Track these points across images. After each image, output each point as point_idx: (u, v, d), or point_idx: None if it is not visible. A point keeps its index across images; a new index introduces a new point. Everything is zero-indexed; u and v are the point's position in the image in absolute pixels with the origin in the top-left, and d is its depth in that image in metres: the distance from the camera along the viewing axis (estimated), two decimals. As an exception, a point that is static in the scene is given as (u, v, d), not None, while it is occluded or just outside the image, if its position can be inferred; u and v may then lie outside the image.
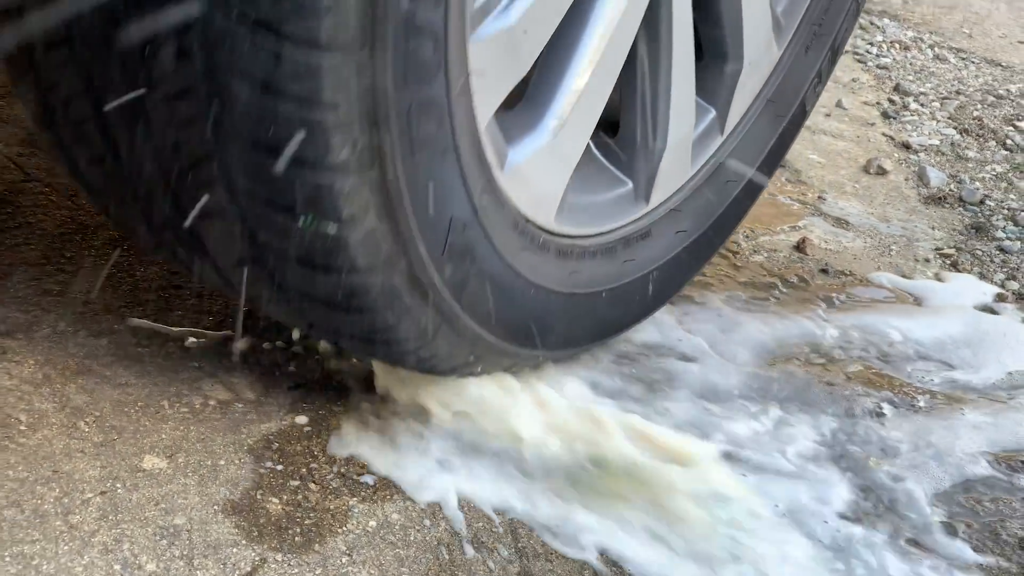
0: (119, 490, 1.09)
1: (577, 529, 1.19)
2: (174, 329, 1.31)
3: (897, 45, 3.00)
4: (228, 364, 1.29)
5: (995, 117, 2.63)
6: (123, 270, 1.39)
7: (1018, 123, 2.61)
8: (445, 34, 0.92)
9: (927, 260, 1.96)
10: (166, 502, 1.09)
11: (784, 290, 1.77)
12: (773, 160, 1.60)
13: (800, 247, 1.90)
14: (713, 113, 1.47)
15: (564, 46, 1.17)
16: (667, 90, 1.33)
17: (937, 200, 2.20)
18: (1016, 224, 2.12)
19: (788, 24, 1.54)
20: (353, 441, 1.23)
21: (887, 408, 1.50)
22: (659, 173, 1.37)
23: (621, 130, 1.36)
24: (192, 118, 0.90)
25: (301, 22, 0.82)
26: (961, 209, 2.17)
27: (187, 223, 1.00)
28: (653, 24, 1.27)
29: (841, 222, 2.04)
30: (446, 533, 1.15)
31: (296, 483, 1.16)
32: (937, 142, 2.45)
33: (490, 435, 1.27)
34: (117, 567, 1.01)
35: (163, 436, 1.17)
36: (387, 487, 1.19)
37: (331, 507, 1.14)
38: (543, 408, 1.32)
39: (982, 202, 2.20)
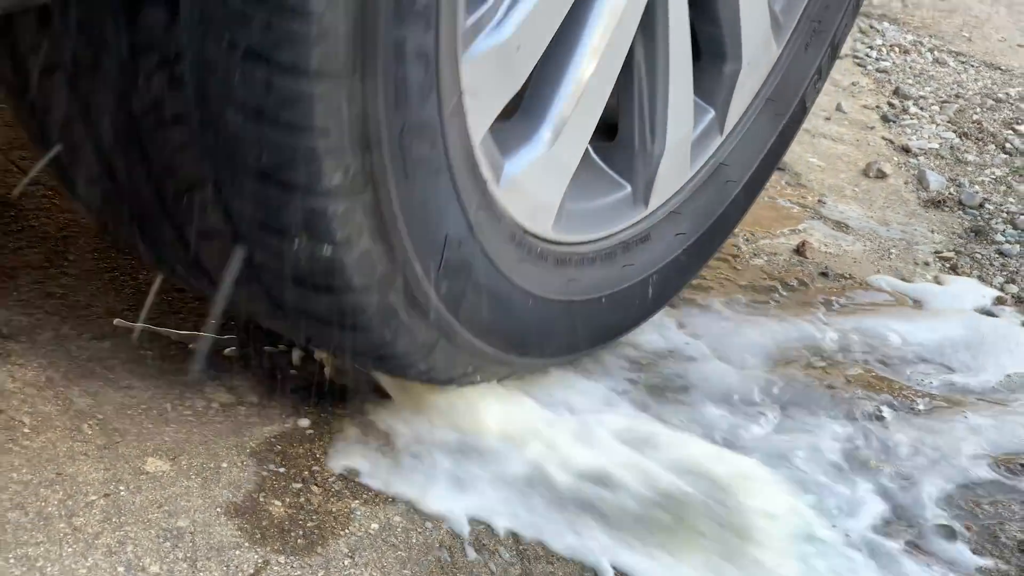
0: (122, 492, 1.09)
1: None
2: (177, 332, 1.32)
3: (897, 49, 3.01)
4: (230, 367, 1.29)
5: (994, 121, 2.63)
6: (126, 273, 1.39)
7: (1017, 127, 2.62)
8: (436, 56, 0.92)
9: (926, 263, 1.97)
10: (169, 504, 1.10)
11: (784, 293, 1.77)
12: (773, 159, 1.59)
13: (800, 250, 1.91)
14: (712, 113, 1.46)
15: (560, 56, 1.16)
16: (665, 92, 1.32)
17: (936, 203, 2.20)
18: (1015, 227, 2.12)
19: (787, 22, 1.52)
20: (354, 449, 1.23)
21: (887, 411, 1.51)
22: (658, 176, 1.36)
23: (619, 133, 1.36)
24: (185, 144, 0.91)
25: (291, 51, 0.83)
26: (960, 212, 2.18)
27: (184, 244, 1.01)
28: (650, 26, 1.27)
29: (841, 225, 2.04)
30: (448, 536, 1.16)
31: (298, 486, 1.16)
32: (936, 146, 2.45)
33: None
34: (121, 569, 1.02)
35: (166, 439, 1.17)
36: (390, 488, 1.19)
37: (333, 509, 1.15)
38: (558, 426, 1.32)
39: (981, 205, 2.20)
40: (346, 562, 1.09)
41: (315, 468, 1.19)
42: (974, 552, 1.28)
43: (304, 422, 1.25)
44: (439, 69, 0.93)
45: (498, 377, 1.31)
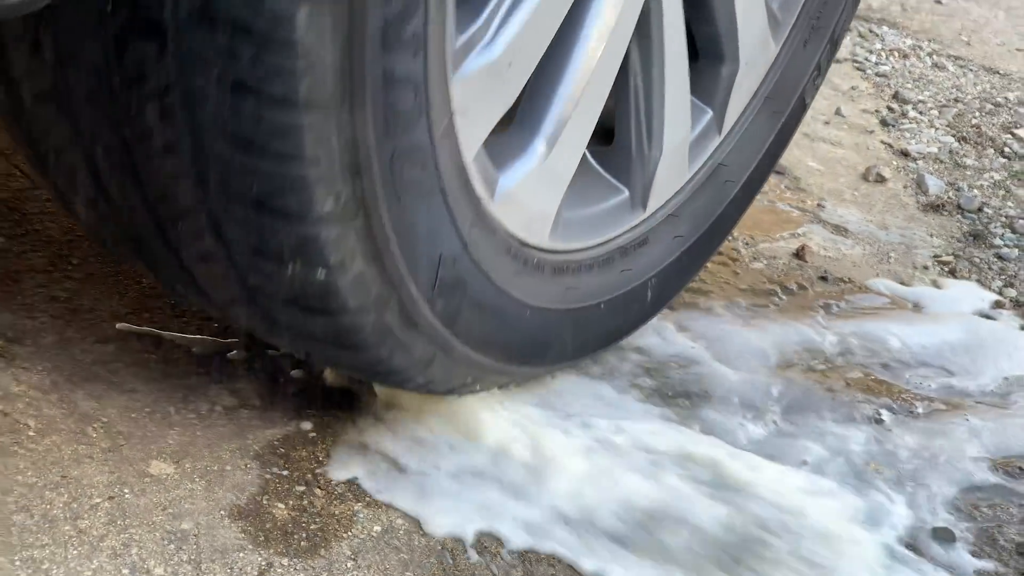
0: (127, 495, 1.10)
1: None
2: (180, 335, 1.33)
3: (896, 53, 3.01)
4: (234, 370, 1.30)
5: (993, 125, 2.64)
6: (129, 277, 1.40)
7: (1016, 131, 2.62)
8: (425, 81, 0.92)
9: (925, 267, 1.98)
10: (173, 507, 1.10)
11: (783, 297, 1.78)
12: (772, 156, 1.57)
13: (799, 254, 1.92)
14: (710, 114, 1.44)
15: (553, 67, 1.15)
16: (662, 95, 1.30)
17: (935, 207, 2.21)
18: (1014, 231, 2.13)
19: (785, 19, 1.50)
20: (355, 453, 1.23)
21: (886, 415, 1.51)
22: (656, 178, 1.35)
23: (616, 137, 1.34)
24: (178, 172, 0.91)
25: (279, 83, 0.83)
26: (959, 216, 2.19)
27: (182, 266, 1.02)
28: (645, 30, 1.25)
29: (840, 229, 2.05)
30: (449, 538, 1.17)
31: (301, 488, 1.17)
32: (935, 150, 2.46)
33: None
34: (125, 571, 1.02)
35: (170, 442, 1.18)
36: (391, 493, 1.20)
37: (336, 512, 1.16)
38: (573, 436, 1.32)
39: (980, 209, 2.21)
40: (348, 564, 1.10)
41: (318, 471, 1.20)
42: (972, 555, 1.29)
43: (306, 425, 1.26)
44: (428, 93, 0.93)
45: (498, 385, 1.31)
